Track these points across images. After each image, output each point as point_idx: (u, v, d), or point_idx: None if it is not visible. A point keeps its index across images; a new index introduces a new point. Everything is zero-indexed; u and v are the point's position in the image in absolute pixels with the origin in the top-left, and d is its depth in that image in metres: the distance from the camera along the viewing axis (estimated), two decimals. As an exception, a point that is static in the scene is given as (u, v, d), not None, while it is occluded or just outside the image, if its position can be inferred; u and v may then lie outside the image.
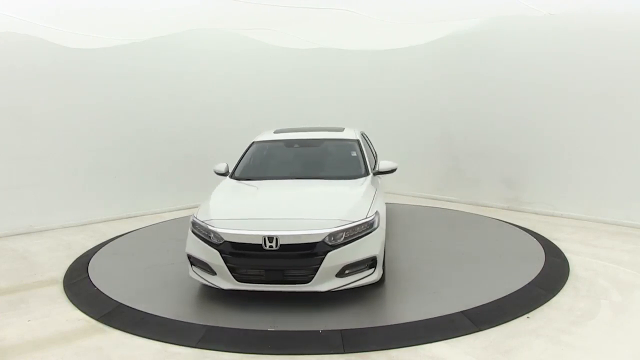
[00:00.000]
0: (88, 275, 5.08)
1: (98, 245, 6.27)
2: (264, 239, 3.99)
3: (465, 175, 8.80)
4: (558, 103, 7.43)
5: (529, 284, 4.56)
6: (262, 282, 4.09)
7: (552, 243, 5.96)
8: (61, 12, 6.05)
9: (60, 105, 7.36)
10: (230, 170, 5.59)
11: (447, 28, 8.53)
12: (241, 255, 4.08)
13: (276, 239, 3.97)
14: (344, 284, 4.04)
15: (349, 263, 4.01)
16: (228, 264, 4.08)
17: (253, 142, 6.00)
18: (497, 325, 3.78)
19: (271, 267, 4.04)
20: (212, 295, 4.43)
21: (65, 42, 7.32)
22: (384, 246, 4.32)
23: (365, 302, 4.26)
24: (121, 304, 4.32)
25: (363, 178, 5.08)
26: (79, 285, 4.86)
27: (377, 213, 4.31)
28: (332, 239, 3.98)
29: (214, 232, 4.16)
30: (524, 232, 6.51)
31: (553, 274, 4.89)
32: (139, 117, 8.12)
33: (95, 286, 4.77)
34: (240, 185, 5.26)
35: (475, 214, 7.71)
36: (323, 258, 3.93)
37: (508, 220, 7.15)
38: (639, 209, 6.68)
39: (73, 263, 5.59)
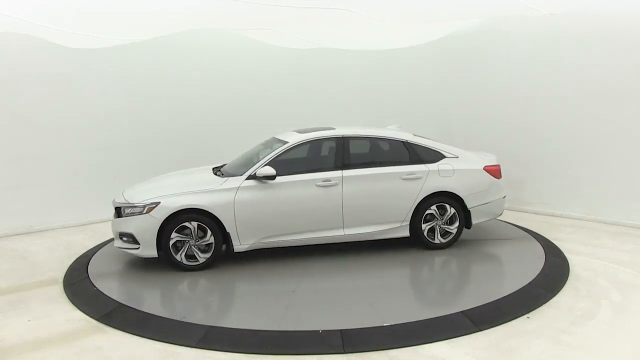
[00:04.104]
0: (88, 275, 5.09)
1: (98, 245, 6.27)
2: (113, 201, 5.47)
3: (465, 175, 8.77)
4: (558, 102, 7.43)
5: (529, 284, 4.56)
6: None
7: (552, 243, 5.96)
8: (61, 12, 6.05)
9: (60, 105, 7.35)
10: None
11: (447, 28, 8.52)
12: None
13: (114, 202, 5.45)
14: (122, 246, 5.21)
15: (119, 232, 5.19)
16: None
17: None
18: (497, 325, 3.79)
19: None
20: (213, 295, 4.43)
21: (65, 42, 7.31)
22: (153, 228, 4.95)
23: (365, 302, 4.26)
24: (121, 304, 4.32)
25: (229, 178, 5.31)
26: (79, 285, 4.86)
27: (156, 204, 5.01)
28: (123, 211, 5.18)
29: None
30: (524, 232, 6.51)
31: (553, 274, 4.90)
32: (139, 117, 8.11)
33: (95, 286, 4.77)
34: (191, 172, 6.06)
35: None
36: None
37: (508, 220, 7.15)
38: (639, 209, 6.68)
39: (73, 263, 5.59)
